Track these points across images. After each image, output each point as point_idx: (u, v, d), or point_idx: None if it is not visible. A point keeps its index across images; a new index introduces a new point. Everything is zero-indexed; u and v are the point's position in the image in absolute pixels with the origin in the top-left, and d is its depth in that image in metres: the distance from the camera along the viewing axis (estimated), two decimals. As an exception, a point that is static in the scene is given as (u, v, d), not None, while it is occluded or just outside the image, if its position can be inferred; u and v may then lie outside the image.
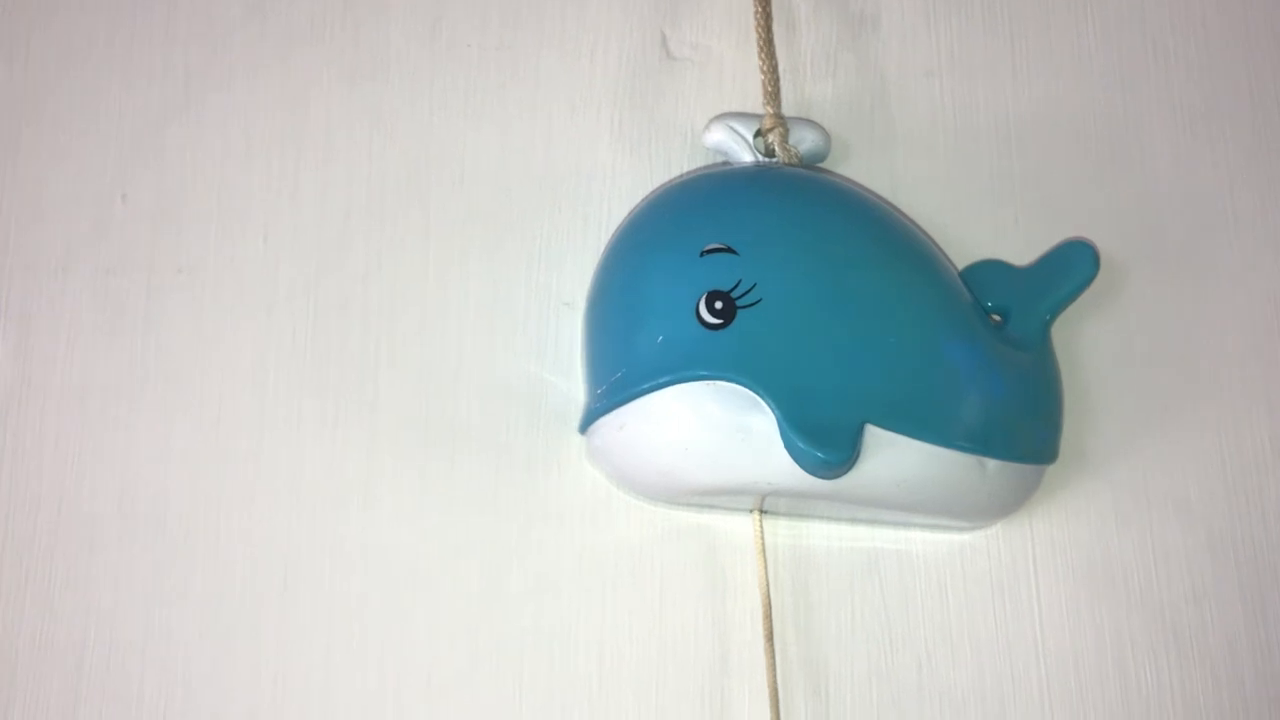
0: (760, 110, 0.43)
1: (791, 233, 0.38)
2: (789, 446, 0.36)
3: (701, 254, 0.38)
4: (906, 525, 0.42)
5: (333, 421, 0.43)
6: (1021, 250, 0.43)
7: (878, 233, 0.39)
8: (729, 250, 0.37)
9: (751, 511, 0.41)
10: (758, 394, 0.36)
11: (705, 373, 0.37)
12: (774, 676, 0.40)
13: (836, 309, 0.37)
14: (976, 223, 0.45)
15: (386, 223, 0.44)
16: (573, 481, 0.42)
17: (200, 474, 0.42)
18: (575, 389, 0.43)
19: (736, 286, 0.37)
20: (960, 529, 0.42)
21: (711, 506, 0.41)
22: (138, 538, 0.42)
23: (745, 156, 0.42)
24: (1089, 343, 0.44)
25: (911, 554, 0.43)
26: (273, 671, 0.41)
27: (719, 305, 0.37)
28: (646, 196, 0.42)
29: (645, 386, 0.38)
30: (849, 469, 0.36)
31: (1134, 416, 0.44)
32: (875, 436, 0.37)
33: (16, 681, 0.40)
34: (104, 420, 0.42)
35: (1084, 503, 0.43)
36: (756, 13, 0.43)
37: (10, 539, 0.41)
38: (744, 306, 0.37)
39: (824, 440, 0.36)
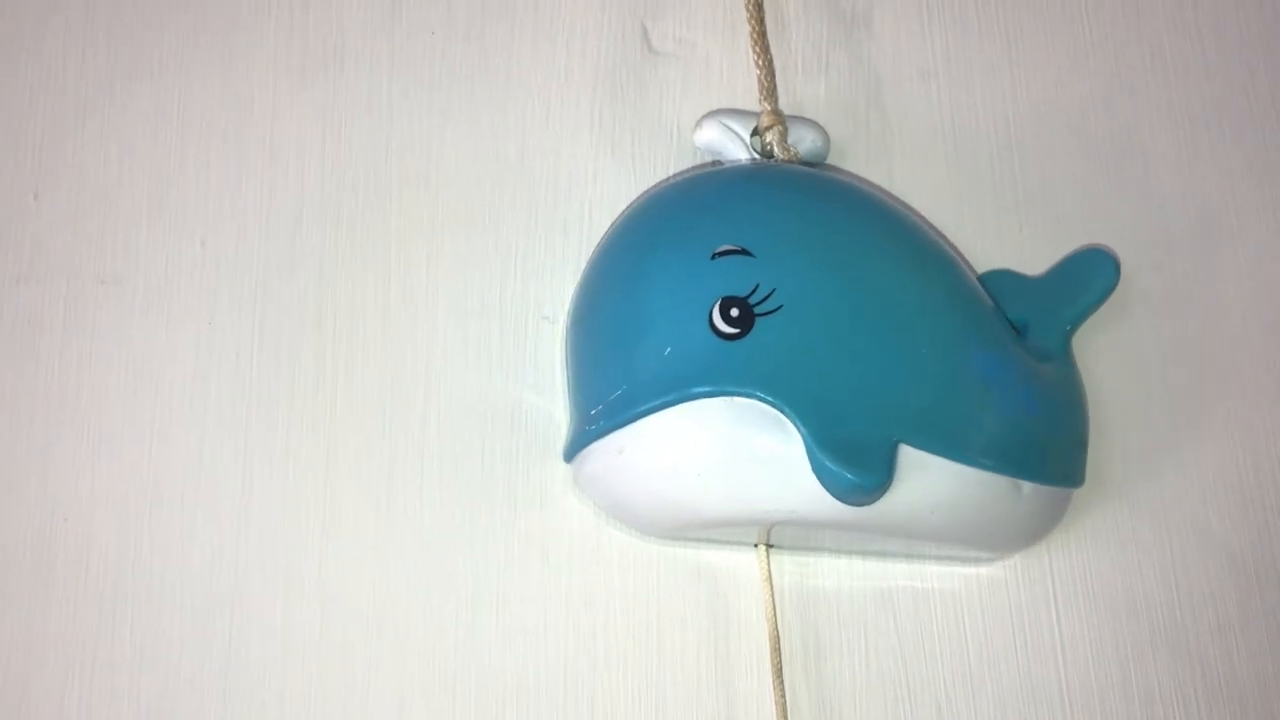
0: (753, 107, 0.40)
1: (811, 234, 0.35)
2: (818, 469, 0.32)
3: (713, 256, 0.34)
4: (921, 558, 0.39)
5: (283, 450, 0.38)
6: (1029, 258, 0.40)
7: (900, 235, 0.36)
8: (744, 252, 0.34)
9: (756, 545, 0.37)
10: (781, 411, 0.33)
11: (720, 388, 0.33)
12: (786, 727, 0.36)
13: (863, 317, 0.34)
14: (980, 230, 0.42)
15: (343, 228, 0.39)
16: (558, 515, 0.38)
17: (131, 509, 0.37)
18: (558, 411, 0.38)
19: (754, 292, 0.33)
20: (980, 560, 0.39)
21: (713, 540, 0.37)
22: (57, 579, 0.36)
23: (740, 156, 0.39)
24: (1097, 357, 0.42)
25: (927, 590, 0.39)
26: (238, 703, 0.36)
27: (735, 313, 0.33)
28: (638, 198, 0.39)
29: (651, 405, 0.34)
30: (882, 493, 0.33)
31: (1146, 436, 0.41)
32: (908, 457, 0.33)
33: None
34: (17, 447, 0.37)
35: (1102, 530, 0.41)
36: (748, 3, 0.40)
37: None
38: (763, 314, 0.33)
39: (857, 462, 0.32)
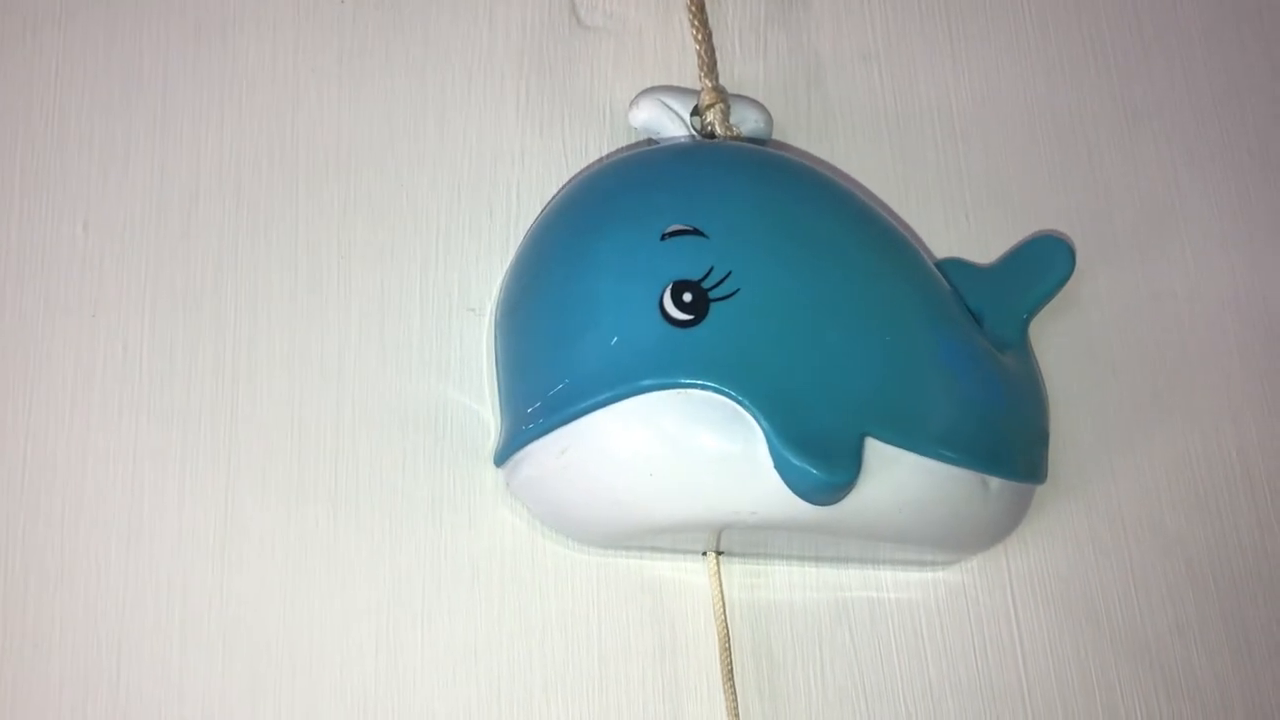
0: (691, 85, 0.38)
1: (769, 214, 0.32)
2: (781, 466, 0.30)
3: (663, 237, 0.31)
4: (877, 563, 0.36)
5: (178, 457, 0.34)
6: (975, 245, 0.39)
7: (859, 217, 0.34)
8: (697, 233, 0.31)
9: (704, 553, 0.35)
10: (739, 403, 0.30)
11: (673, 379, 0.31)
12: (740, 749, 0.33)
13: (824, 302, 0.31)
14: (926, 216, 0.40)
15: (243, 211, 0.36)
16: (488, 527, 0.35)
17: (12, 521, 0.33)
18: (486, 412, 0.35)
19: (708, 275, 0.31)
20: (940, 563, 0.37)
21: (659, 549, 0.35)
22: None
23: (680, 136, 0.36)
24: (1048, 349, 0.40)
25: (884, 600, 0.37)
26: None
27: (688, 298, 0.31)
28: (573, 178, 0.36)
29: (597, 400, 0.31)
30: (850, 490, 0.30)
31: (1100, 431, 0.40)
32: (875, 451, 0.31)
33: None
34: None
35: (1058, 530, 0.39)
36: (684, -25, 0.38)
37: None
38: (718, 299, 0.31)
39: (824, 457, 0.30)
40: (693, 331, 0.31)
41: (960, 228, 0.41)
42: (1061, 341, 0.41)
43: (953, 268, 0.37)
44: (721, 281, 0.31)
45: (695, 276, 0.31)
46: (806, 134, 0.41)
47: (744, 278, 0.31)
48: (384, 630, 0.34)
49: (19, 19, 0.36)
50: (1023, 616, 0.38)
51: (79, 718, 0.32)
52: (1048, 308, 0.39)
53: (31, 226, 0.35)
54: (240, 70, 0.37)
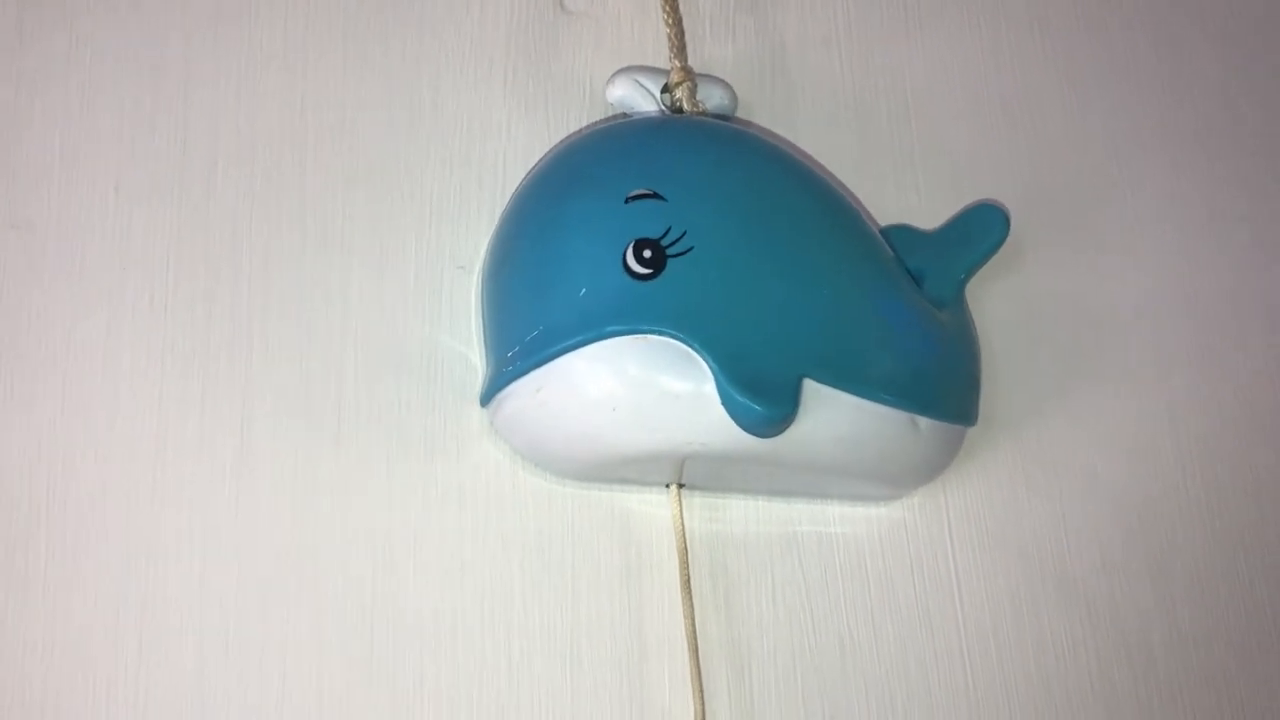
0: (663, 66, 0.41)
1: (722, 179, 0.36)
2: (726, 402, 0.34)
3: (627, 200, 0.35)
4: (825, 497, 0.40)
5: (198, 398, 0.38)
6: (925, 215, 0.42)
7: (806, 183, 0.38)
8: (657, 196, 0.35)
9: (669, 486, 0.39)
10: (691, 348, 0.34)
11: (634, 326, 0.34)
12: (696, 660, 0.37)
13: (770, 259, 0.35)
14: (879, 187, 0.44)
15: (258, 176, 0.40)
16: (474, 460, 0.39)
17: (44, 459, 0.37)
18: (474, 356, 0.39)
19: (666, 234, 0.35)
20: (882, 498, 0.40)
21: (627, 480, 0.39)
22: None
23: (651, 111, 0.40)
24: (990, 308, 0.44)
25: (830, 533, 0.41)
26: (133, 684, 0.36)
27: (647, 254, 0.34)
28: (553, 148, 0.39)
29: (568, 344, 0.35)
30: (788, 425, 0.34)
31: (1037, 383, 0.44)
32: (813, 392, 0.35)
33: None
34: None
35: (995, 472, 0.43)
36: (657, -35, 0.42)
37: None
38: (674, 255, 0.34)
39: (763, 394, 0.33)
40: (651, 284, 0.34)
41: (911, 199, 0.44)
42: (1003, 302, 0.44)
43: (898, 233, 0.41)
44: (678, 240, 0.35)
45: (654, 235, 0.35)
46: (770, 112, 0.44)
47: (698, 236, 0.35)
48: (381, 548, 0.38)
49: (56, 7, 0.40)
50: (958, 550, 0.42)
51: (113, 615, 0.36)
52: (993, 271, 0.43)
53: (69, 190, 0.39)
54: (255, 50, 0.41)
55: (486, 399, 0.37)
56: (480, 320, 0.39)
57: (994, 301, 0.44)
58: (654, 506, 0.39)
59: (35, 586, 0.36)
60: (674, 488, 0.38)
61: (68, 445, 0.37)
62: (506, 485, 0.39)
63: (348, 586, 0.37)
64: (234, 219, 0.39)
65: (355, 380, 0.39)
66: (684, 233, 0.35)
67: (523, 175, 0.40)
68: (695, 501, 0.40)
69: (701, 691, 0.37)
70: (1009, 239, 0.43)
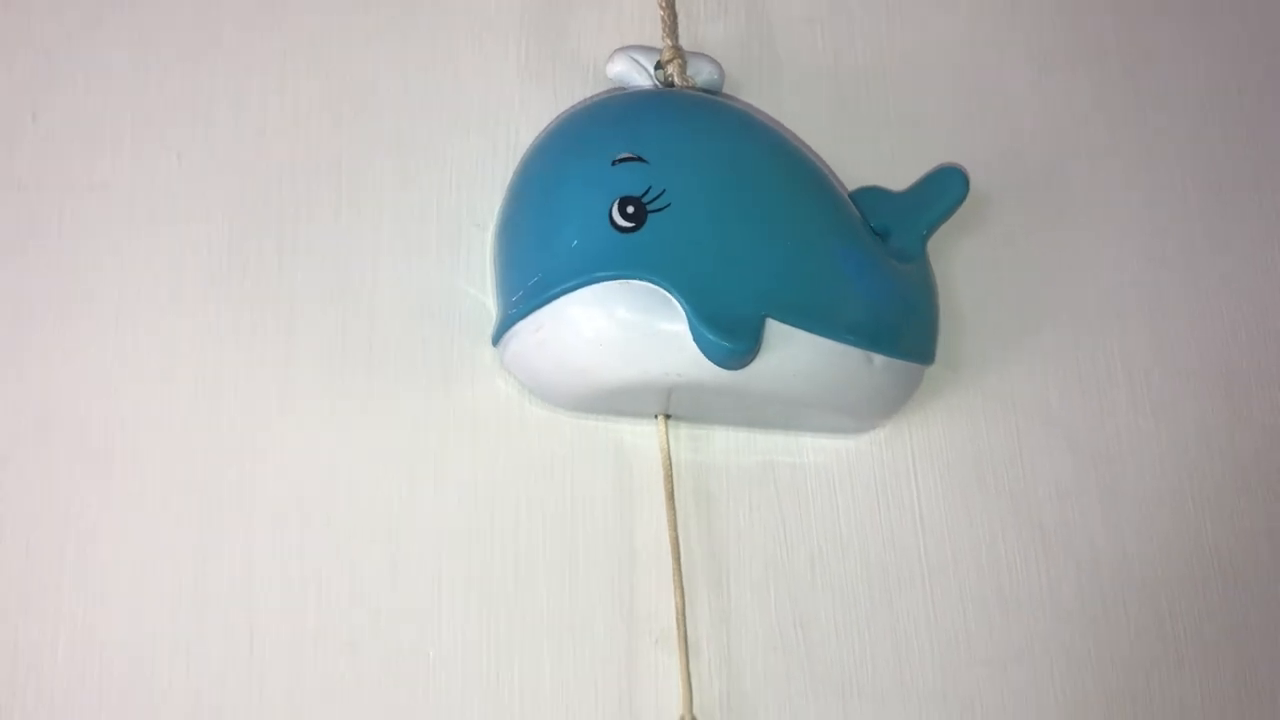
0: (659, 44, 0.46)
1: (697, 144, 0.41)
2: (697, 338, 0.39)
3: (613, 163, 0.40)
4: (799, 429, 0.45)
5: (248, 335, 0.44)
6: (898, 178, 0.46)
7: (776, 149, 0.42)
8: (639, 159, 0.40)
9: (656, 416, 0.44)
10: (668, 291, 0.39)
11: (618, 272, 0.39)
12: (678, 568, 0.42)
13: (739, 214, 0.40)
14: (856, 154, 0.47)
15: (299, 144, 0.45)
16: (486, 393, 0.44)
17: (118, 387, 0.43)
18: (487, 304, 0.44)
19: (647, 192, 0.40)
20: (848, 430, 0.45)
21: (619, 411, 0.44)
22: (55, 451, 0.42)
23: (645, 85, 0.45)
24: (959, 262, 0.48)
25: (803, 463, 0.45)
26: (194, 579, 0.41)
27: (630, 210, 0.39)
28: (556, 118, 0.44)
29: (562, 288, 0.40)
30: (751, 359, 0.39)
31: (999, 328, 0.48)
32: (775, 330, 0.39)
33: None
34: (19, 333, 0.43)
35: (957, 409, 0.47)
36: (654, -46, 0.46)
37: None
38: (654, 210, 0.39)
39: (729, 331, 0.38)
40: (634, 236, 0.39)
41: (886, 165, 0.47)
42: (970, 256, 0.48)
43: (868, 193, 0.45)
44: (657, 197, 0.40)
45: (637, 193, 0.40)
46: (757, 86, 0.49)
47: (675, 194, 0.40)
48: (405, 470, 0.43)
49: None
50: (921, 478, 0.46)
51: (174, 524, 0.41)
52: (961, 229, 0.47)
53: (135, 157, 0.44)
54: (297, 32, 0.46)
55: (496, 338, 0.42)
56: (492, 269, 0.44)
57: (961, 255, 0.48)
58: (643, 436, 0.44)
59: (114, 494, 0.42)
60: (661, 418, 0.43)
61: (139, 373, 0.43)
62: (515, 415, 0.44)
63: (376, 501, 0.43)
64: (279, 182, 0.45)
65: (385, 323, 0.44)
66: (663, 191, 0.40)
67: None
68: (681, 432, 0.45)
69: (683, 594, 0.42)
70: (977, 199, 0.48)
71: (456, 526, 0.43)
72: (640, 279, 0.39)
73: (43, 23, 0.46)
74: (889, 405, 0.44)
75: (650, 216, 0.39)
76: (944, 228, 0.45)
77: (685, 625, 0.41)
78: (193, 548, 0.42)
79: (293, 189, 0.45)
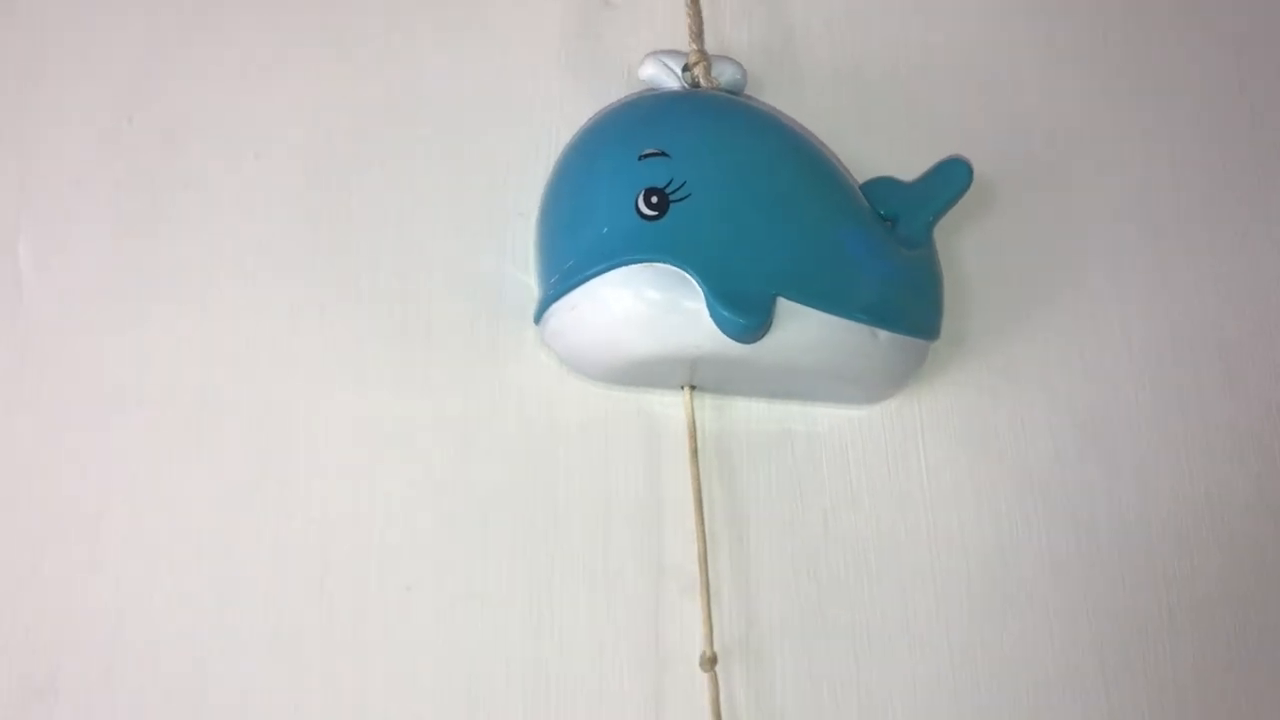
0: (686, 48, 0.50)
1: (716, 140, 0.45)
2: (713, 314, 0.43)
3: (640, 158, 0.44)
4: (813, 399, 0.49)
5: (317, 311, 0.49)
6: (910, 170, 0.49)
7: (790, 144, 0.47)
8: (663, 154, 0.44)
9: (682, 388, 0.48)
10: (687, 272, 0.43)
11: (644, 256, 0.43)
12: (701, 525, 0.46)
13: (753, 203, 0.44)
14: (871, 148, 0.51)
15: (362, 142, 0.51)
16: (529, 366, 0.49)
17: (208, 357, 0.48)
18: (530, 286, 0.49)
19: (669, 184, 0.44)
20: (859, 401, 0.49)
21: (649, 383, 0.48)
22: (154, 411, 0.47)
23: (674, 86, 0.49)
24: (969, 246, 0.52)
25: (818, 431, 0.50)
26: (272, 532, 0.47)
27: (654, 200, 0.44)
28: (591, 118, 0.49)
29: (593, 271, 0.44)
30: (763, 334, 0.43)
31: (1006, 308, 0.51)
32: (785, 308, 0.44)
33: (43, 531, 0.46)
34: (121, 312, 0.48)
35: (963, 382, 0.51)
36: (682, -34, 0.51)
37: (43, 413, 0.47)
38: (676, 200, 0.44)
39: (741, 308, 0.43)
40: (657, 223, 0.44)
41: (900, 158, 0.50)
42: (977, 240, 0.52)
43: (880, 183, 0.48)
44: (679, 189, 0.44)
45: (660, 185, 0.44)
46: (777, 86, 0.52)
47: (695, 186, 0.44)
48: (458, 433, 0.47)
49: (209, 16, 0.51)
50: (928, 446, 0.50)
51: (256, 473, 0.47)
52: (969, 214, 0.51)
53: (219, 155, 0.50)
54: (357, 40, 0.51)
55: (537, 317, 0.47)
56: (535, 254, 0.49)
57: (970, 240, 0.52)
58: (671, 406, 0.48)
59: (205, 448, 0.47)
60: (686, 389, 0.48)
61: (226, 346, 0.48)
62: (554, 385, 0.49)
63: (432, 461, 0.48)
64: (345, 176, 0.50)
65: (440, 303, 0.49)
66: (684, 182, 0.44)
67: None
68: (705, 402, 0.49)
69: (705, 546, 0.46)
70: (986, 187, 0.52)
71: (502, 484, 0.48)
72: (663, 262, 0.43)
73: (138, 36, 0.51)
74: (895, 378, 0.48)
75: (672, 206, 0.44)
76: (954, 214, 0.49)
77: (707, 573, 0.46)
78: (271, 503, 0.47)
79: (356, 183, 0.50)
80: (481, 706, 0.45)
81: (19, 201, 0.49)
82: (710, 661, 0.45)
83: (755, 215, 0.44)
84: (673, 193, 0.44)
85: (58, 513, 0.46)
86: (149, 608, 0.46)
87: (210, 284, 0.49)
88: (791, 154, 0.46)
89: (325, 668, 0.45)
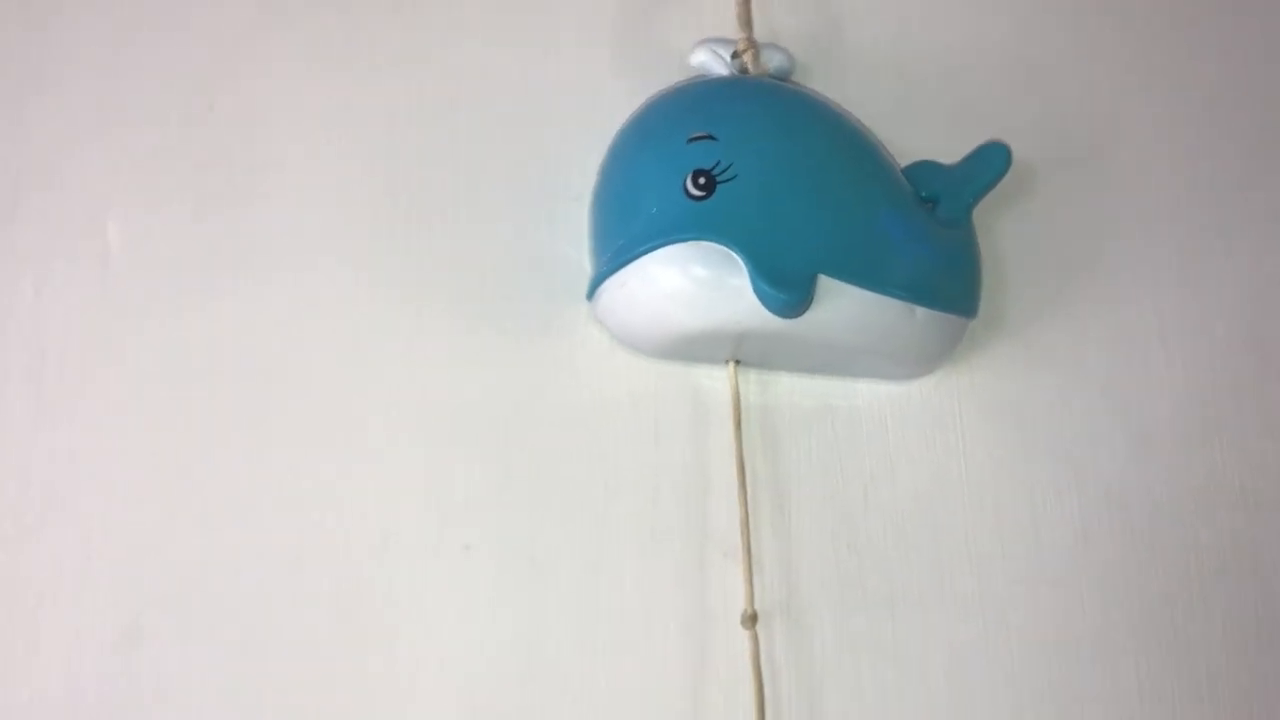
0: (736, 36, 0.52)
1: (762, 124, 0.47)
2: (756, 290, 0.45)
3: (688, 141, 0.47)
4: (854, 374, 0.51)
5: (389, 291, 0.52)
6: (952, 154, 0.51)
7: (833, 128, 0.49)
8: (710, 138, 0.46)
9: (727, 362, 0.50)
10: (732, 250, 0.45)
11: (691, 235, 0.46)
12: (744, 494, 0.49)
13: (796, 185, 0.46)
14: (914, 132, 0.52)
15: (428, 129, 0.53)
16: (583, 340, 0.51)
17: (281, 330, 0.51)
18: (584, 265, 0.52)
19: (716, 165, 0.46)
20: (898, 377, 0.51)
21: (695, 357, 0.50)
22: (229, 379, 0.51)
23: (723, 73, 0.51)
24: (1008, 228, 0.53)
25: (858, 405, 0.52)
26: (338, 492, 0.50)
27: (702, 181, 0.46)
28: (642, 104, 0.51)
29: (643, 249, 0.46)
30: (804, 309, 0.45)
31: (1044, 289, 0.53)
32: (826, 285, 0.46)
33: (129, 487, 0.49)
34: (199, 288, 0.51)
35: (1001, 361, 0.52)
36: (733, -43, 0.53)
37: (129, 381, 0.50)
38: (723, 182, 0.46)
39: (783, 285, 0.45)
40: (705, 204, 0.46)
41: (942, 142, 0.52)
42: (1017, 223, 0.53)
43: (922, 166, 0.50)
44: (725, 170, 0.46)
45: (708, 166, 0.46)
46: (826, 72, 0.55)
47: (741, 168, 0.46)
48: (515, 403, 0.50)
49: (286, 12, 0.55)
50: (966, 421, 0.52)
51: (328, 433, 0.50)
52: (1008, 198, 0.53)
53: (291, 140, 0.52)
54: (428, 34, 0.54)
55: (590, 293, 0.49)
56: (588, 235, 0.51)
57: (1009, 222, 0.54)
58: (716, 380, 0.51)
59: (286, 406, 0.50)
60: (731, 364, 0.50)
61: (301, 316, 0.51)
62: (606, 359, 0.51)
63: (493, 428, 0.50)
64: (413, 163, 0.53)
65: (501, 281, 0.51)
66: (730, 164, 0.46)
67: (624, 124, 0.53)
68: (750, 376, 0.51)
69: (747, 513, 0.48)
70: (1025, 172, 0.53)
71: (556, 453, 0.50)
72: (710, 240, 0.46)
73: (219, 28, 0.54)
74: (933, 354, 0.50)
75: (719, 187, 0.46)
76: (993, 197, 0.51)
77: (749, 539, 0.48)
78: (339, 465, 0.50)
79: (423, 168, 0.53)
80: (535, 660, 0.48)
81: (110, 185, 0.52)
82: (751, 620, 0.47)
83: (798, 196, 0.46)
84: (720, 174, 0.46)
85: (143, 471, 0.50)
86: (226, 561, 0.49)
87: (281, 262, 0.52)
88: (834, 137, 0.48)
89: (388, 620, 0.48)
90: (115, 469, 0.50)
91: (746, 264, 0.45)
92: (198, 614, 0.48)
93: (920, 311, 0.47)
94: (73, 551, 0.48)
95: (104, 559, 0.48)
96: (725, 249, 0.46)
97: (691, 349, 0.49)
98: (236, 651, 0.48)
